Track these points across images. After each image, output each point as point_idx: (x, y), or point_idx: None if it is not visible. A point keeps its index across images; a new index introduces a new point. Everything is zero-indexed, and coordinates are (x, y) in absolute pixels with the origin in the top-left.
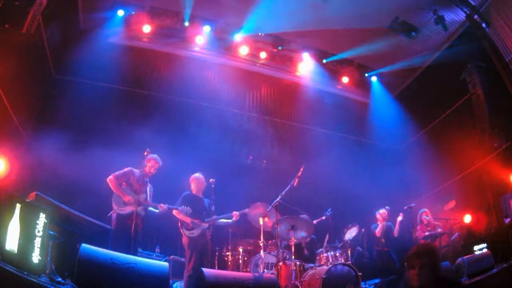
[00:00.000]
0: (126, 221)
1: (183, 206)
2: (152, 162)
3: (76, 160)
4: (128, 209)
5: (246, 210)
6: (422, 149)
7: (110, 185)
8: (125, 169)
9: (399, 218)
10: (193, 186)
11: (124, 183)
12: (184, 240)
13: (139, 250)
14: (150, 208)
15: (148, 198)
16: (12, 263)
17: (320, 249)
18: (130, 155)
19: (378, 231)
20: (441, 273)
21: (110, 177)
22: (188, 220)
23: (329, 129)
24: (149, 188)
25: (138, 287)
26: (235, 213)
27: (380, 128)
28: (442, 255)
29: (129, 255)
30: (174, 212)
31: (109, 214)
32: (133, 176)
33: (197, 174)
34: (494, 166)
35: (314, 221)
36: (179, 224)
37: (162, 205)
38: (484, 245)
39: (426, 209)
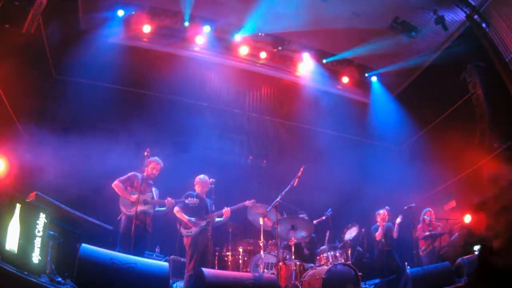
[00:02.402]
0: (136, 222)
1: (189, 198)
2: (153, 163)
3: (76, 160)
4: (135, 209)
5: (247, 202)
6: (422, 149)
7: (116, 190)
8: (129, 174)
9: (398, 220)
10: (197, 188)
11: (129, 187)
12: (186, 240)
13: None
14: (158, 209)
15: (155, 197)
16: (12, 263)
17: (323, 246)
18: (130, 155)
19: (378, 235)
20: None
21: (115, 182)
22: (185, 219)
23: (329, 129)
24: (154, 190)
25: (138, 287)
26: (226, 210)
27: (380, 128)
28: (442, 255)
29: (131, 255)
30: (175, 210)
31: (118, 218)
32: (137, 179)
33: (202, 176)
34: (494, 166)
35: (314, 221)
36: (177, 224)
37: (169, 199)
38: None
39: (430, 209)
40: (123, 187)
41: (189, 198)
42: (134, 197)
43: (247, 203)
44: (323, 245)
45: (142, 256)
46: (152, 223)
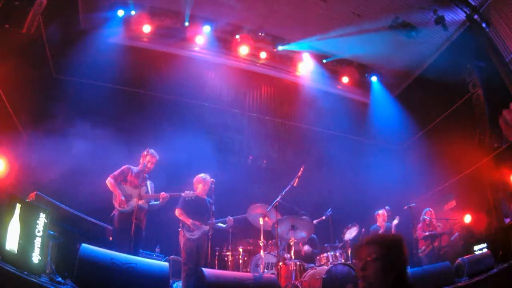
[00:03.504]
0: (130, 218)
1: (186, 191)
2: (148, 156)
3: (76, 160)
4: (130, 206)
5: (246, 215)
6: (422, 149)
7: (109, 186)
8: (122, 167)
9: (395, 222)
10: (199, 187)
11: (122, 182)
12: (181, 239)
13: (140, 250)
14: (152, 203)
15: (150, 192)
16: (12, 263)
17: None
18: (130, 155)
19: None
20: (406, 278)
21: (108, 178)
22: (189, 221)
23: (329, 129)
24: (149, 183)
25: (138, 287)
26: (230, 218)
27: (380, 128)
28: (442, 255)
29: (129, 254)
30: (177, 212)
31: (111, 214)
32: (131, 172)
33: (203, 175)
34: (494, 166)
35: (314, 221)
36: (180, 225)
37: (162, 193)
38: (484, 245)
39: (430, 209)
40: (116, 184)
41: (186, 192)
42: (120, 200)
43: (246, 215)
44: (323, 245)
45: (138, 253)
46: (146, 218)
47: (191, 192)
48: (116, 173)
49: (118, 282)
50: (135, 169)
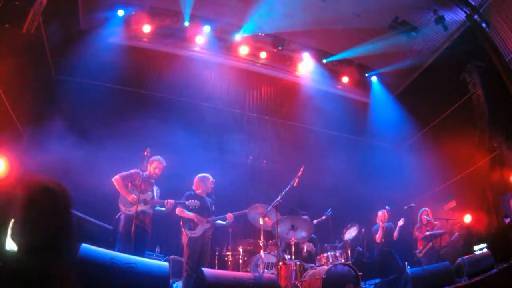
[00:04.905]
0: (135, 221)
1: (190, 200)
2: (155, 163)
3: (76, 160)
4: (135, 209)
5: (246, 211)
6: (422, 149)
7: (116, 185)
8: (132, 170)
9: (400, 223)
10: (198, 187)
11: (129, 184)
12: (184, 239)
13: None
14: (158, 208)
15: (155, 198)
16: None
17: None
18: (130, 155)
19: (378, 237)
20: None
21: (116, 176)
22: (193, 216)
23: (329, 129)
24: (155, 189)
25: (138, 287)
26: (229, 215)
27: (380, 128)
28: (442, 255)
29: (131, 255)
30: (177, 210)
31: (116, 216)
32: (139, 177)
33: (204, 175)
34: (494, 166)
35: (314, 221)
36: (181, 223)
37: (169, 200)
38: (484, 245)
39: (427, 209)
40: (123, 184)
41: (190, 200)
42: (132, 196)
43: (246, 211)
44: (323, 245)
45: (142, 256)
46: (151, 223)
47: (195, 201)
48: (124, 174)
49: (118, 282)
50: (144, 174)
